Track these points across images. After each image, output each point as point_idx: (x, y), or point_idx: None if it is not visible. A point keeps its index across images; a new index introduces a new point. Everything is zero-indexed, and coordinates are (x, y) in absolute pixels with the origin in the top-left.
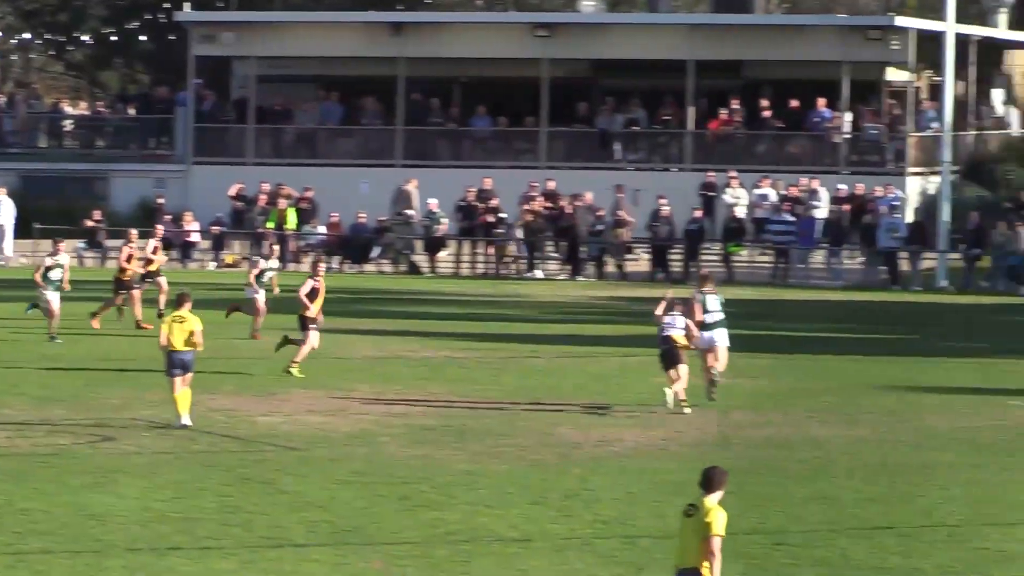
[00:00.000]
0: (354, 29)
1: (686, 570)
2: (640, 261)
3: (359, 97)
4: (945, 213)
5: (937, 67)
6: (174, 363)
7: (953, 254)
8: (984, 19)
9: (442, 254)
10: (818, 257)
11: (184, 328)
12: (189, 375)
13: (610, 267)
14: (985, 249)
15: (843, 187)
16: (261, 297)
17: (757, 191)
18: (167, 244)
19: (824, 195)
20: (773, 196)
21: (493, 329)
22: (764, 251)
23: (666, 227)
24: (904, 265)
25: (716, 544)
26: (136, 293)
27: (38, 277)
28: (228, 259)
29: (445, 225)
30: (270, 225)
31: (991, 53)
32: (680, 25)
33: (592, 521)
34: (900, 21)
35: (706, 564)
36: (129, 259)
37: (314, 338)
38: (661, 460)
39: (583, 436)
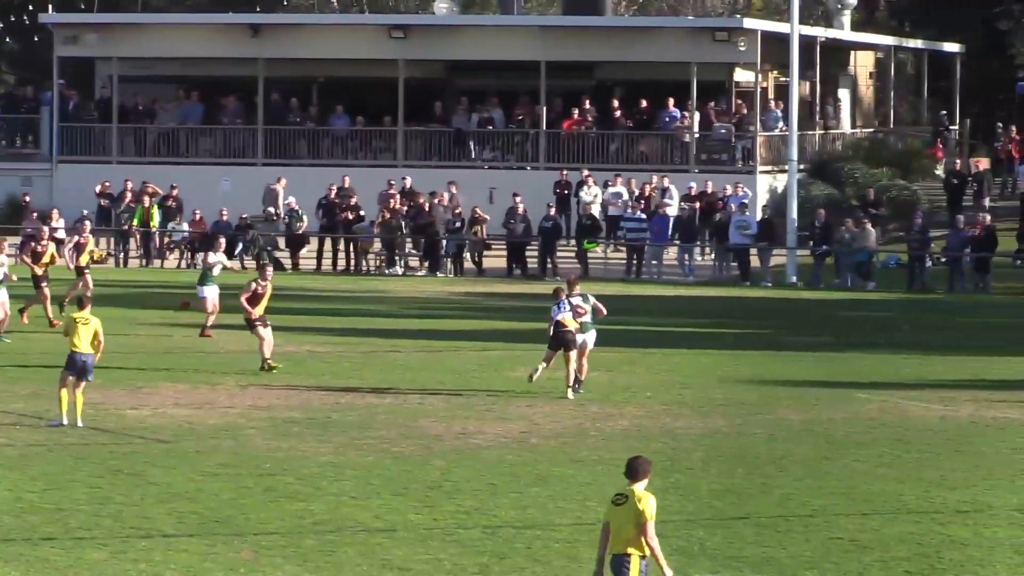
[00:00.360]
0: (214, 31)
1: (617, 555)
2: (497, 257)
3: (219, 97)
4: (793, 211)
5: (784, 67)
6: (75, 363)
7: (802, 251)
8: (830, 20)
9: (304, 251)
10: (670, 254)
11: (89, 329)
12: (83, 383)
13: (468, 263)
14: (833, 246)
15: (694, 185)
16: (211, 293)
17: (610, 189)
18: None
19: (675, 193)
20: (625, 194)
21: (354, 324)
22: (618, 248)
23: (522, 224)
24: (754, 262)
25: (651, 528)
26: (46, 290)
27: None
28: (95, 255)
29: (306, 222)
30: (135, 223)
31: (836, 54)
32: (532, 27)
33: (454, 512)
34: (747, 23)
35: (643, 546)
36: (35, 257)
37: (263, 332)
38: (521, 452)
39: (444, 428)
